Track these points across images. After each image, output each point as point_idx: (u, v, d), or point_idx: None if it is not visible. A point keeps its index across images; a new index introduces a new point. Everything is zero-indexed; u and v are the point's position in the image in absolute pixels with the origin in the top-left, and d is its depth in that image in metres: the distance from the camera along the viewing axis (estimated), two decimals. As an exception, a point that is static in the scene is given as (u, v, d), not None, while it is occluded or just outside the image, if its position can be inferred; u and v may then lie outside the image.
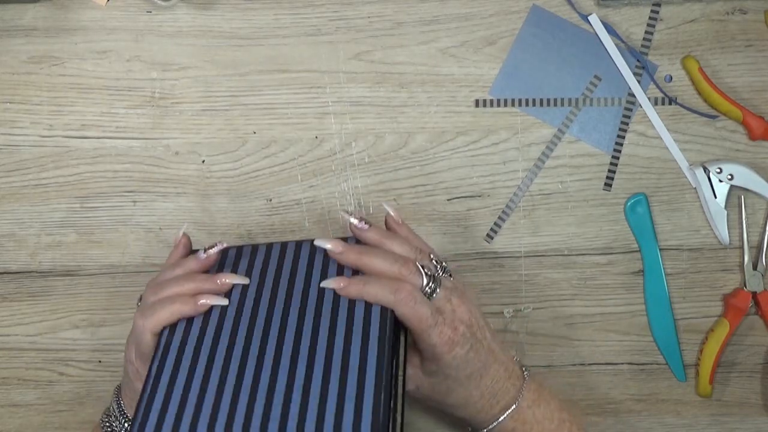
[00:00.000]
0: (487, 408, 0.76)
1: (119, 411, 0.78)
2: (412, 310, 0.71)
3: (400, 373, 0.74)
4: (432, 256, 0.75)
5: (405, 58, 0.87)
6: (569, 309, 0.89)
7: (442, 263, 0.75)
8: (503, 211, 0.88)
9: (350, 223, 0.75)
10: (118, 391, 0.79)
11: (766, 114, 0.87)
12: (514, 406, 0.76)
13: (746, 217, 0.87)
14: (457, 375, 0.74)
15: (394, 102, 0.87)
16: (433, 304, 0.73)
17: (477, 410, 0.76)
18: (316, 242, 0.74)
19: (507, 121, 0.88)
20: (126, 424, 0.78)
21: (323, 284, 0.72)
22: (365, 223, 0.75)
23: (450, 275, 0.76)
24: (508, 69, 0.88)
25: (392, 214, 0.78)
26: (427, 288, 0.73)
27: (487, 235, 0.88)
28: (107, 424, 0.79)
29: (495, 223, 0.88)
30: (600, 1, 0.87)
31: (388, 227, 0.78)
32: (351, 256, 0.73)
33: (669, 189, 0.88)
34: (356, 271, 0.73)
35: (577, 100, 0.88)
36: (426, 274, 0.73)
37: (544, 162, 0.88)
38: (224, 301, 0.73)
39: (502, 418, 0.76)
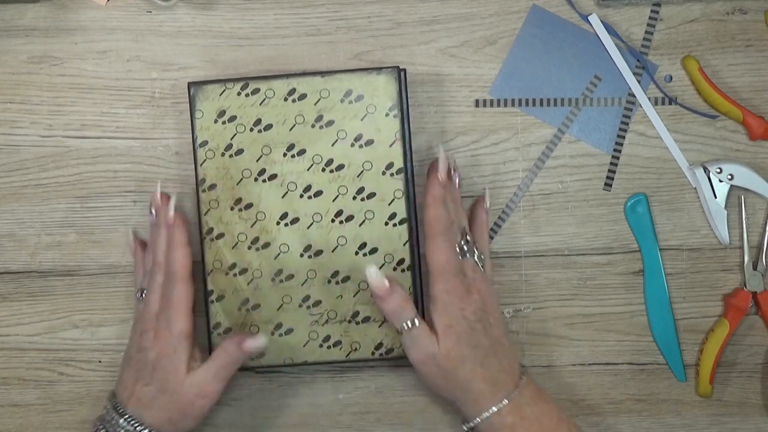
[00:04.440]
0: (488, 394, 0.78)
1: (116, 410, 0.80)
2: (445, 247, 0.78)
3: None
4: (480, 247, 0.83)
5: (405, 58, 0.87)
6: (569, 309, 0.89)
7: (481, 252, 0.82)
8: (503, 211, 0.88)
9: (439, 169, 0.80)
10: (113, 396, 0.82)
11: (766, 114, 0.87)
12: (506, 401, 0.77)
13: (746, 217, 0.87)
14: (466, 340, 0.78)
15: (394, 102, 0.87)
16: (463, 263, 0.79)
17: (479, 392, 0.78)
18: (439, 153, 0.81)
19: (507, 121, 0.88)
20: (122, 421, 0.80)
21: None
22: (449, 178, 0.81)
23: (483, 265, 0.81)
24: (508, 69, 0.88)
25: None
26: (462, 243, 0.80)
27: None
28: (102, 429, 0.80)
29: (495, 223, 0.88)
30: (600, 1, 0.87)
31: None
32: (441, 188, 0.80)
33: (669, 189, 0.88)
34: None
35: (577, 100, 0.88)
36: (466, 239, 0.80)
37: (544, 162, 0.88)
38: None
39: (501, 405, 0.77)
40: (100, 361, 0.89)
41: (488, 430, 0.78)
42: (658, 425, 0.89)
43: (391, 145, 0.82)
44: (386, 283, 0.78)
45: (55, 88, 0.88)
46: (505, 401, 0.78)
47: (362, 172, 0.82)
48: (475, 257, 0.80)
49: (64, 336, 0.89)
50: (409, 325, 0.78)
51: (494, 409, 0.78)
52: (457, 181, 0.82)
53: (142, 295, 0.83)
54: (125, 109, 0.88)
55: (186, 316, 0.79)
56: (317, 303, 0.83)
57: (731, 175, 0.86)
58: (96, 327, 0.89)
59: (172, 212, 0.81)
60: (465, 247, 0.80)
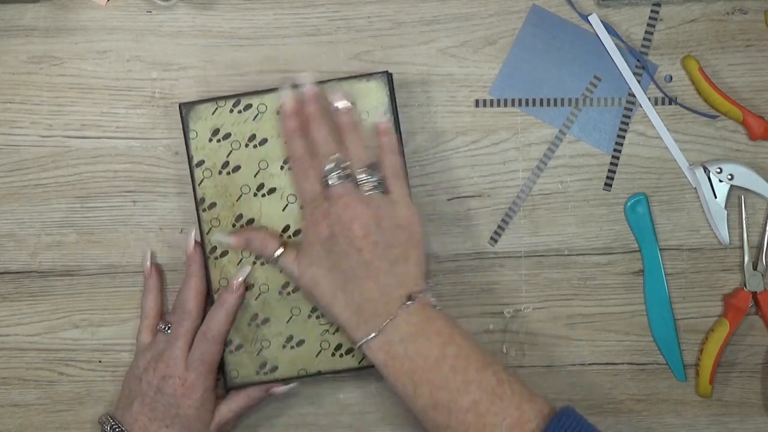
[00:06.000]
0: (353, 325, 0.76)
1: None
2: (299, 178, 0.80)
3: None
4: (371, 169, 0.79)
5: (405, 58, 0.87)
6: (569, 309, 0.89)
7: (377, 181, 0.78)
8: (506, 214, 0.88)
9: (284, 103, 0.81)
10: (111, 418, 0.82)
11: (766, 114, 0.87)
12: (372, 335, 0.75)
13: (746, 217, 0.87)
14: (320, 263, 0.77)
15: (394, 102, 0.87)
16: (327, 190, 0.78)
17: (345, 320, 0.77)
18: (282, 90, 0.81)
19: (507, 121, 0.88)
20: None
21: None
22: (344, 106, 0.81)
23: (382, 192, 0.78)
24: (508, 69, 0.88)
25: (382, 120, 0.82)
26: (327, 176, 0.78)
27: (491, 238, 0.88)
28: None
29: (499, 226, 0.88)
30: (600, 1, 0.87)
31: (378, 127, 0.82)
32: (299, 118, 0.80)
33: (669, 189, 0.88)
34: None
35: (577, 100, 0.88)
36: (340, 167, 0.78)
37: (546, 163, 0.88)
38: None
39: (362, 341, 0.76)
40: (100, 361, 0.89)
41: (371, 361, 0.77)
42: (658, 425, 0.89)
43: None
44: (237, 239, 0.81)
45: (55, 88, 0.88)
46: (373, 334, 0.75)
47: None
48: (358, 182, 0.78)
49: (64, 336, 0.89)
50: (276, 256, 0.80)
51: (364, 340, 0.76)
52: (343, 105, 0.80)
53: (167, 328, 0.83)
54: (125, 109, 0.88)
55: (215, 374, 0.82)
56: None
57: (731, 175, 0.86)
58: (96, 327, 0.89)
59: (241, 279, 0.82)
60: (336, 175, 0.78)
